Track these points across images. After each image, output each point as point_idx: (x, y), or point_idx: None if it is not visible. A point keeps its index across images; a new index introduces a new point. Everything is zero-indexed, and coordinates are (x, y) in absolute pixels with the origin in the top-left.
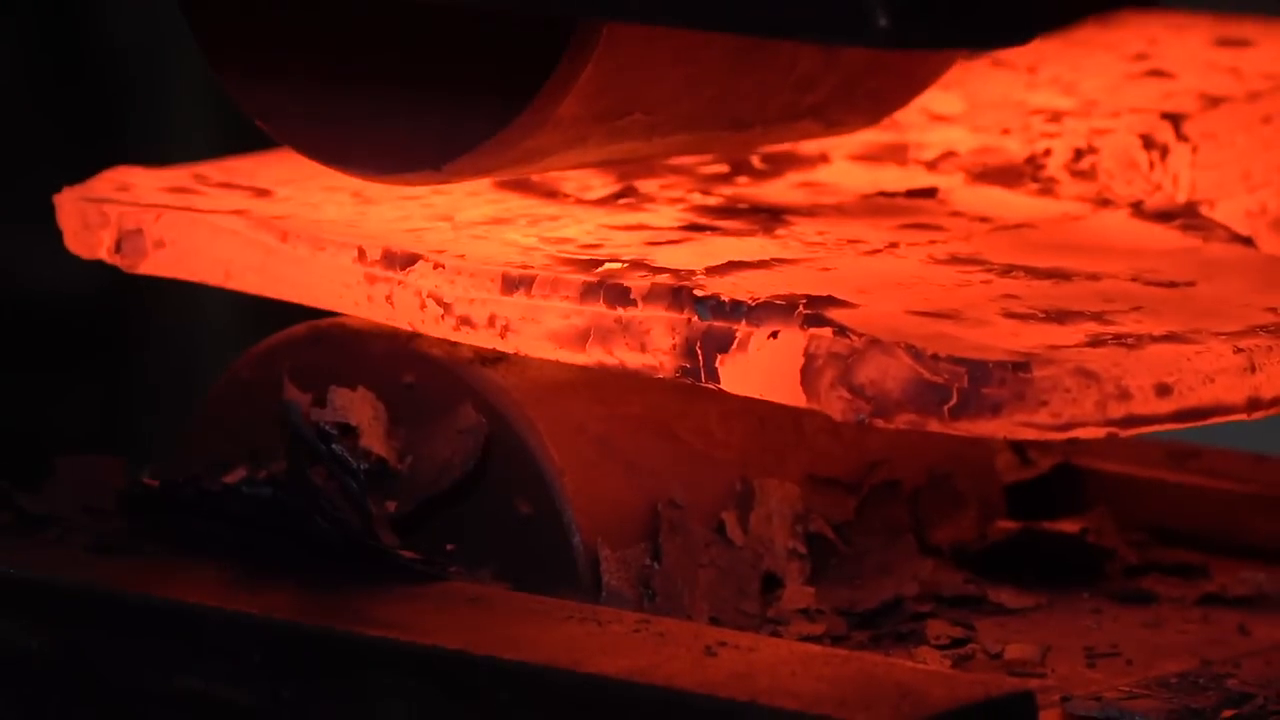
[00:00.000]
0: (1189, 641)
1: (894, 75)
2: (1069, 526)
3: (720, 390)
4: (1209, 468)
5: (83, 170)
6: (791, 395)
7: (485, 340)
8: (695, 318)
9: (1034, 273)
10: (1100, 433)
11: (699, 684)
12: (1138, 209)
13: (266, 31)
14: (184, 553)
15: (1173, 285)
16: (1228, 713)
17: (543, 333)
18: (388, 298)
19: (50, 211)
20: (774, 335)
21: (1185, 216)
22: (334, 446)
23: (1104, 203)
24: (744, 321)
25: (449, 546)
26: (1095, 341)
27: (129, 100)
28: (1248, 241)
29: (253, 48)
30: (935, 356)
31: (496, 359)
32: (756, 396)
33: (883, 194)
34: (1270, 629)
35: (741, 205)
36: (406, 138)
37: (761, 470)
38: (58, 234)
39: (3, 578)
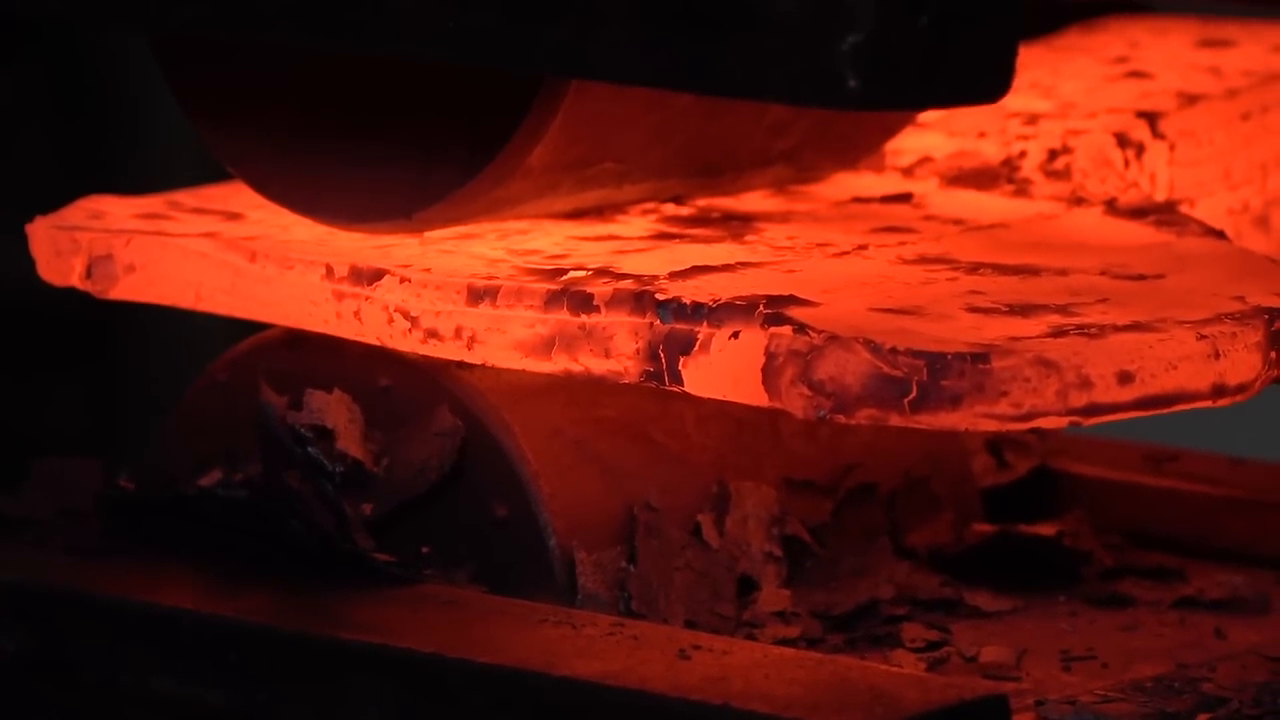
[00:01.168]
0: (1165, 645)
1: (866, 121)
2: (1045, 530)
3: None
4: (1186, 471)
5: (69, 177)
6: (753, 395)
7: (452, 352)
8: (657, 321)
9: (1001, 269)
10: (1062, 422)
11: (673, 687)
12: (1111, 206)
13: (239, 79)
14: (160, 555)
15: (1141, 278)
16: (1203, 717)
17: (509, 342)
18: (355, 313)
19: (30, 214)
20: (735, 335)
21: (1159, 213)
22: (310, 449)
23: (1078, 201)
24: (705, 323)
25: (424, 549)
26: (1057, 332)
27: (122, 115)
28: (1221, 235)
29: (225, 95)
30: (894, 350)
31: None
32: (719, 398)
33: (857, 200)
34: (1246, 632)
35: (714, 214)
36: (377, 186)
37: (737, 473)
38: None
39: None
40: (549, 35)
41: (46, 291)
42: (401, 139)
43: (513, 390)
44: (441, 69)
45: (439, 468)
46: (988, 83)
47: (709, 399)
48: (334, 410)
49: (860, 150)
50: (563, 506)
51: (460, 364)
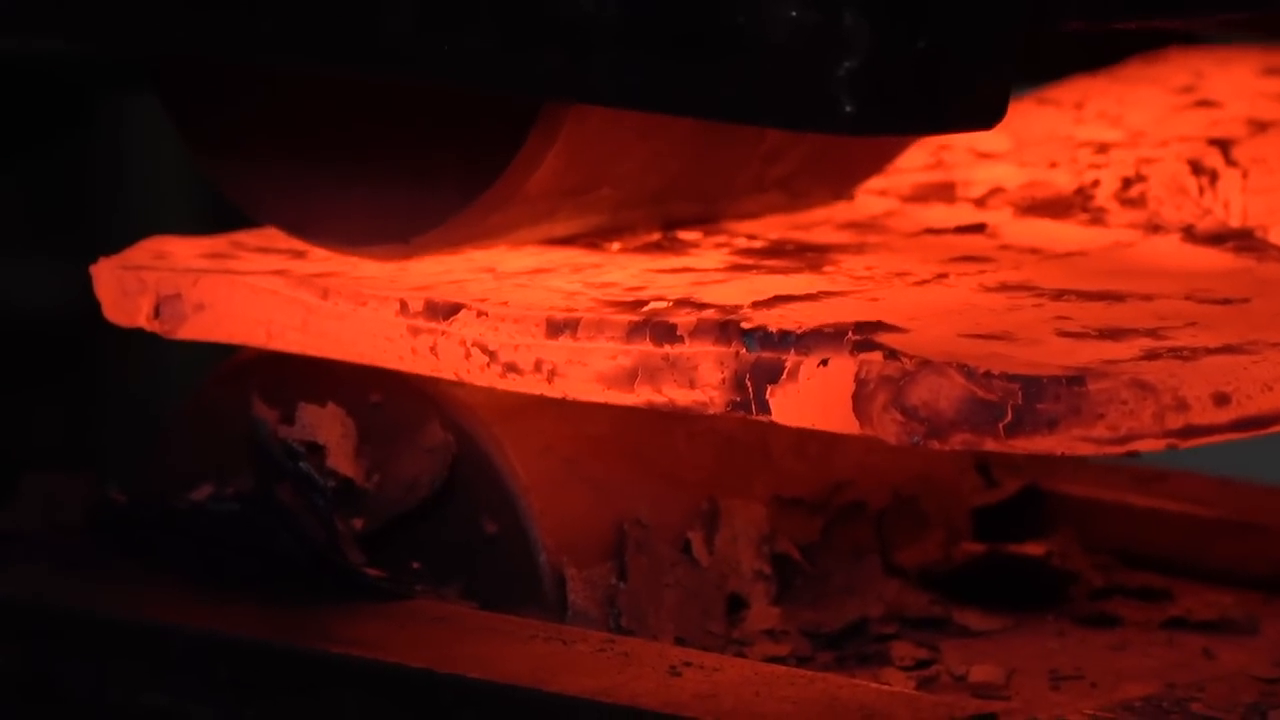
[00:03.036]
0: (1153, 665)
1: (861, 148)
2: (1034, 549)
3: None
4: (1174, 491)
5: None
6: (845, 422)
7: (532, 386)
8: (743, 350)
9: (1086, 295)
10: (1160, 444)
11: (663, 704)
12: (1189, 233)
13: (237, 106)
14: (150, 569)
15: (1228, 302)
16: None
17: (590, 375)
18: (432, 349)
19: (18, 231)
20: (824, 363)
21: (1238, 239)
22: (301, 464)
23: (1155, 229)
24: (793, 351)
25: (415, 565)
26: (1150, 355)
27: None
28: None
29: (223, 122)
30: (988, 374)
31: None
32: (809, 426)
33: (930, 231)
34: (1235, 653)
35: (788, 246)
36: (375, 211)
37: (728, 491)
38: (22, 251)
39: None
40: (545, 59)
41: (24, 307)
42: (399, 164)
43: (503, 407)
44: (440, 95)
45: (430, 483)
46: (982, 109)
47: (701, 417)
48: (326, 425)
49: (855, 178)
50: (553, 523)
51: (451, 380)
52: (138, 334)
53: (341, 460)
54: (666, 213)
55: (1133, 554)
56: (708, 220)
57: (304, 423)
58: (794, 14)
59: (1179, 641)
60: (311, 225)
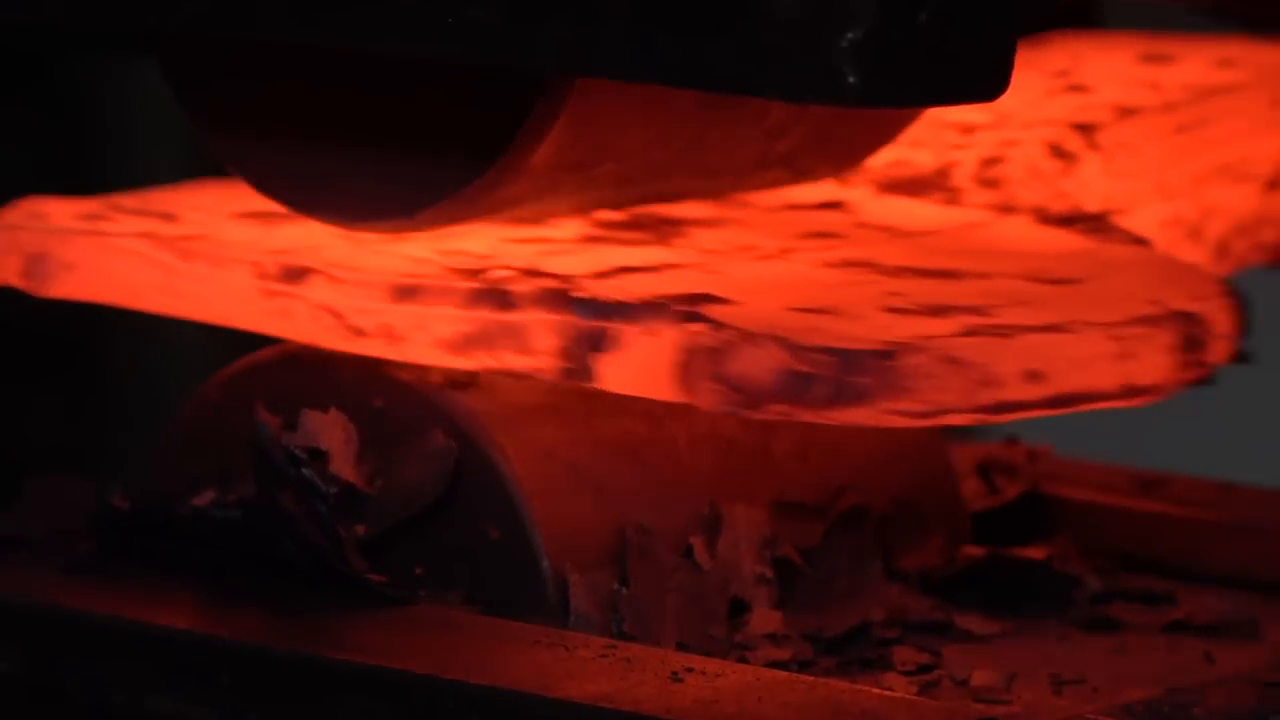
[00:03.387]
0: (1154, 669)
1: (864, 124)
2: (1035, 553)
3: (687, 415)
4: (1175, 495)
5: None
6: (667, 390)
7: (377, 349)
8: (575, 318)
9: (923, 273)
10: (970, 419)
11: (665, 710)
12: (1040, 214)
13: (240, 79)
14: (154, 575)
15: (1062, 282)
16: None
17: (431, 339)
18: (284, 311)
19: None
20: (649, 332)
21: (1087, 222)
22: (304, 470)
23: (1008, 210)
24: (621, 320)
25: (418, 570)
26: (970, 332)
27: (103, 123)
28: (1145, 243)
29: (225, 93)
30: (804, 347)
31: (467, 383)
32: (633, 394)
33: (791, 207)
34: (1236, 657)
35: (646, 219)
36: (380, 186)
37: (729, 495)
38: None
39: None
40: (549, 31)
41: (20, 301)
42: (404, 139)
43: (506, 412)
44: (445, 69)
45: (432, 489)
46: (986, 80)
47: (702, 421)
48: (329, 432)
49: (858, 155)
50: (555, 528)
51: (454, 384)
52: (144, 330)
53: (344, 466)
54: (670, 189)
55: (1133, 558)
56: (712, 196)
57: (306, 429)
58: None
59: (1180, 645)
60: (315, 201)
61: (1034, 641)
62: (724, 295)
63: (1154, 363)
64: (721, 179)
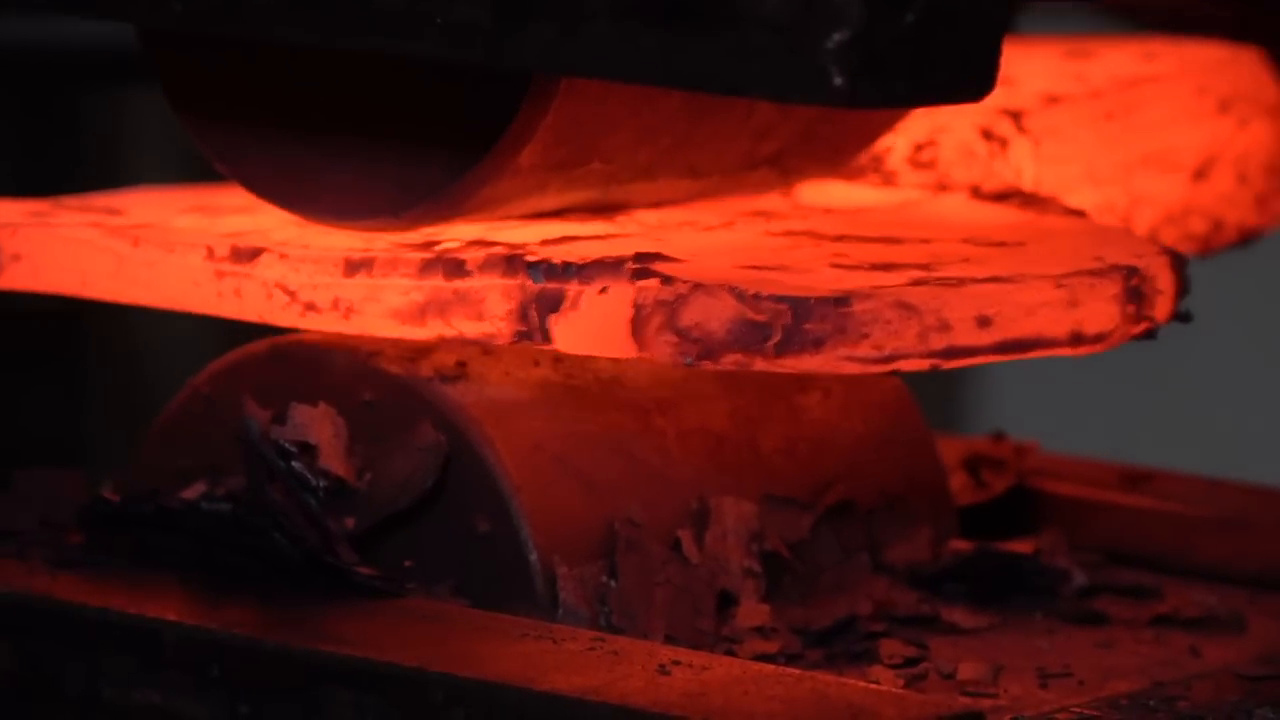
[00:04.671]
0: (1140, 663)
1: (849, 124)
2: (1022, 547)
3: (676, 409)
4: (1161, 490)
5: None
6: (622, 347)
7: (331, 324)
8: (529, 282)
9: (865, 239)
10: (924, 364)
11: (652, 703)
12: (976, 191)
13: (230, 78)
14: (143, 567)
15: (1003, 245)
16: None
17: (384, 310)
18: (236, 291)
19: None
20: (603, 290)
21: (1022, 197)
22: (293, 464)
23: (943, 188)
24: (575, 280)
25: (407, 563)
26: (918, 283)
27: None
28: (1081, 214)
29: (216, 93)
30: (758, 295)
31: (456, 376)
32: (588, 353)
33: None
34: (1221, 651)
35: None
36: (368, 185)
37: (718, 489)
38: None
39: None
40: (536, 31)
41: (18, 297)
42: (391, 138)
43: (495, 405)
44: (432, 68)
45: (421, 482)
46: (972, 81)
47: (690, 415)
48: (318, 425)
49: (843, 155)
50: (544, 521)
51: (444, 378)
52: (134, 322)
53: (333, 460)
54: (657, 189)
55: (1120, 552)
56: (699, 196)
57: (296, 422)
58: None
59: (1166, 639)
60: (305, 199)
61: (1020, 635)
62: (673, 255)
63: (1101, 311)
64: (708, 179)
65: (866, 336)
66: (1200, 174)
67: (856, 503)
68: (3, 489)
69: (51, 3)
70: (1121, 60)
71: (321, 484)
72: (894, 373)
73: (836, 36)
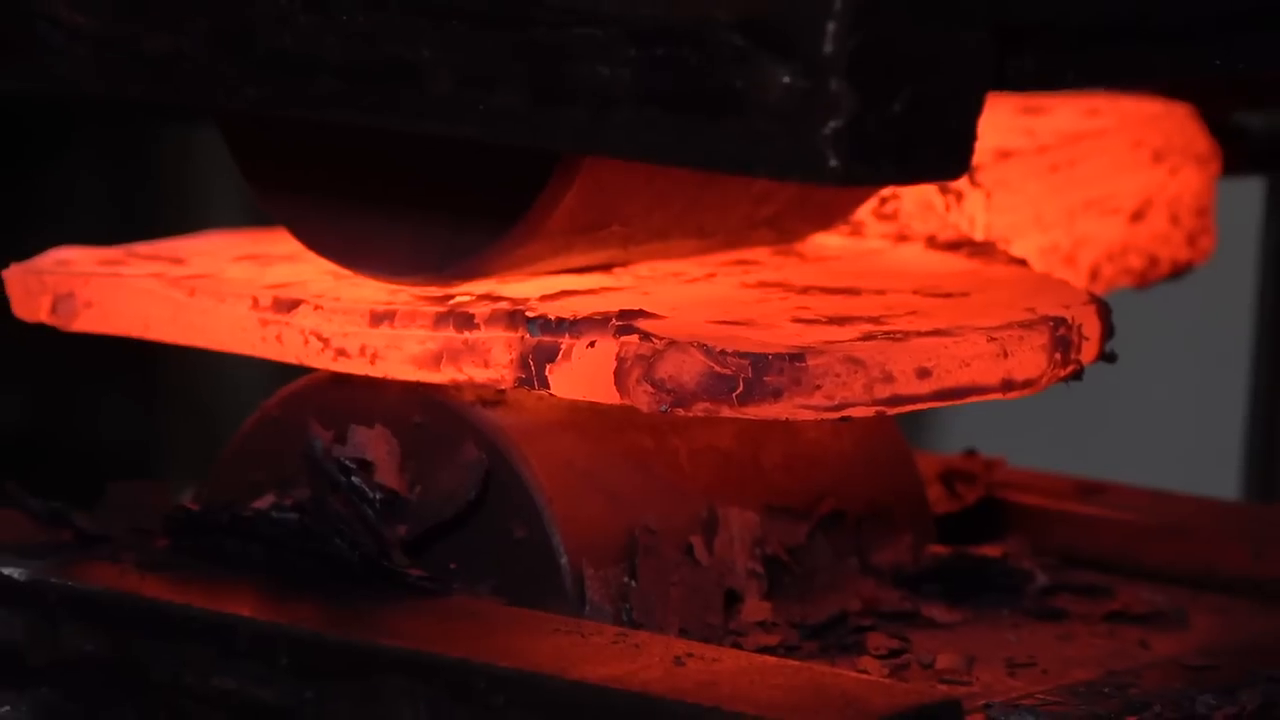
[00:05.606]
0: (1096, 654)
1: (840, 192)
2: (991, 551)
3: (688, 430)
4: (1113, 501)
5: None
6: (607, 394)
7: (358, 368)
8: (528, 335)
9: (828, 290)
10: (870, 411)
11: (669, 690)
12: (931, 241)
13: (293, 149)
14: (220, 569)
15: (949, 295)
16: (1129, 718)
17: (405, 357)
18: (278, 337)
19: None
20: (592, 344)
21: (972, 246)
22: (353, 478)
23: (903, 239)
24: (567, 335)
25: (452, 566)
26: (867, 337)
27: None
28: (1023, 262)
29: (282, 164)
30: (723, 352)
31: (495, 402)
32: (580, 398)
33: None
34: (1167, 644)
35: None
36: (415, 245)
37: (725, 500)
38: None
39: (65, 590)
40: (568, 117)
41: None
42: (437, 205)
43: (530, 427)
44: (473, 145)
45: (465, 495)
46: (949, 162)
47: (701, 435)
48: (375, 444)
49: (834, 216)
50: (573, 529)
51: (485, 403)
52: (204, 353)
53: (388, 475)
54: (670, 249)
55: (1077, 556)
56: (706, 253)
57: (355, 442)
58: (786, 80)
59: (1118, 633)
60: (360, 258)
61: (990, 629)
62: (654, 311)
63: (1030, 360)
64: (714, 238)
65: (819, 388)
66: (1137, 216)
67: (846, 512)
68: (97, 500)
69: (143, 92)
70: (1067, 116)
71: (377, 496)
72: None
73: (832, 124)
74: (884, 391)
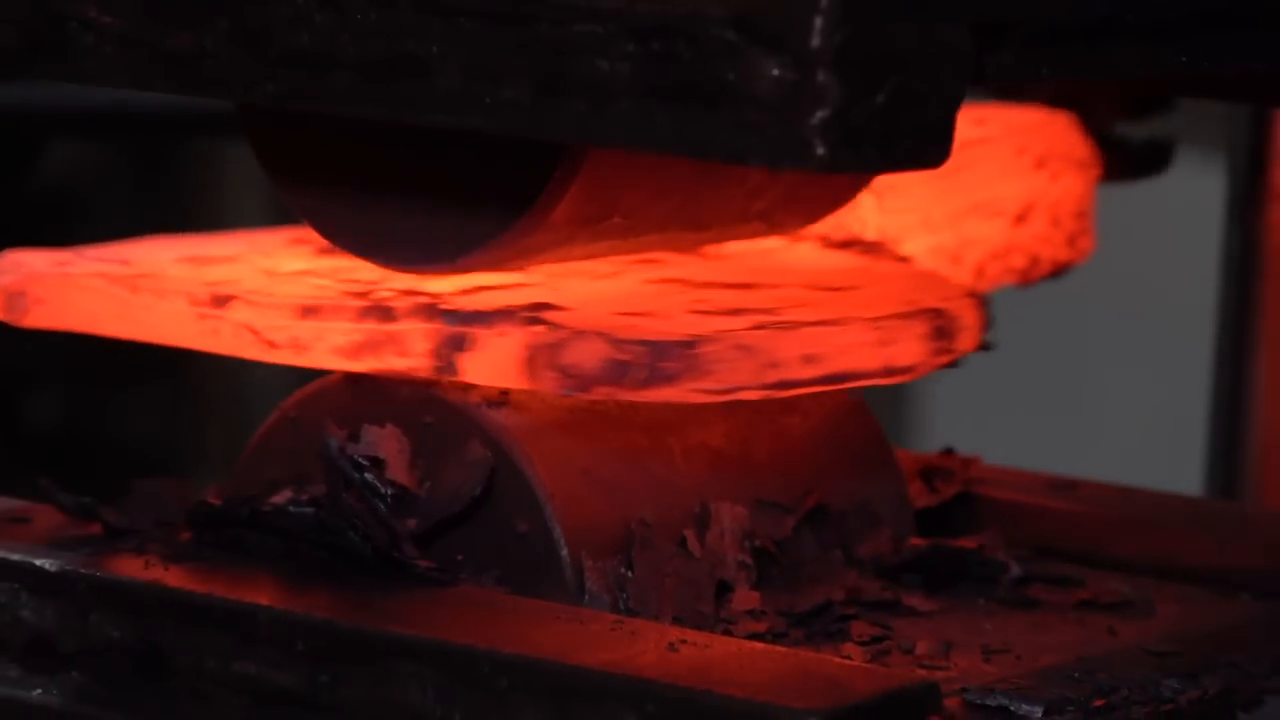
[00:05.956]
0: (1067, 641)
1: (826, 187)
2: (968, 544)
3: (682, 429)
4: (1083, 497)
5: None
6: (516, 380)
7: (288, 359)
8: (443, 326)
9: (726, 285)
10: (759, 395)
11: (664, 674)
12: (824, 241)
13: (311, 143)
14: (240, 560)
15: (838, 289)
16: (1098, 701)
17: (329, 348)
18: (214, 330)
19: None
20: (502, 335)
21: (862, 245)
22: (365, 475)
23: (799, 239)
24: (479, 326)
25: (459, 558)
26: (758, 327)
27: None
28: (907, 260)
29: (299, 156)
30: (622, 340)
31: (500, 403)
32: (492, 385)
33: None
34: (1134, 631)
35: None
36: (426, 236)
37: (716, 496)
38: None
39: (94, 580)
40: (569, 109)
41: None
42: (447, 198)
43: (533, 426)
44: (481, 139)
45: (471, 491)
46: (931, 151)
47: (694, 434)
48: (386, 443)
49: (822, 211)
50: (573, 523)
51: (490, 403)
52: (224, 363)
53: (399, 472)
54: (668, 240)
55: (1049, 548)
56: (702, 245)
57: (367, 440)
58: (775, 72)
59: (1088, 621)
60: (377, 249)
61: (967, 617)
62: (561, 304)
63: (909, 348)
64: (709, 231)
65: (711, 373)
66: (1020, 219)
67: (831, 507)
68: (123, 495)
69: (166, 85)
70: (957, 125)
71: (389, 492)
72: (857, 397)
73: (819, 114)
74: (772, 376)
